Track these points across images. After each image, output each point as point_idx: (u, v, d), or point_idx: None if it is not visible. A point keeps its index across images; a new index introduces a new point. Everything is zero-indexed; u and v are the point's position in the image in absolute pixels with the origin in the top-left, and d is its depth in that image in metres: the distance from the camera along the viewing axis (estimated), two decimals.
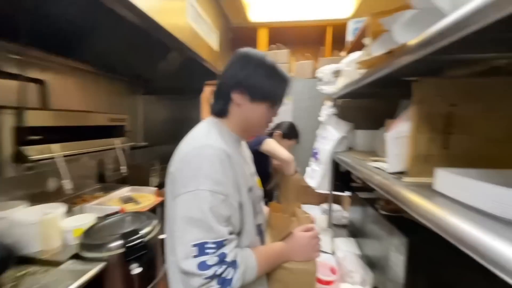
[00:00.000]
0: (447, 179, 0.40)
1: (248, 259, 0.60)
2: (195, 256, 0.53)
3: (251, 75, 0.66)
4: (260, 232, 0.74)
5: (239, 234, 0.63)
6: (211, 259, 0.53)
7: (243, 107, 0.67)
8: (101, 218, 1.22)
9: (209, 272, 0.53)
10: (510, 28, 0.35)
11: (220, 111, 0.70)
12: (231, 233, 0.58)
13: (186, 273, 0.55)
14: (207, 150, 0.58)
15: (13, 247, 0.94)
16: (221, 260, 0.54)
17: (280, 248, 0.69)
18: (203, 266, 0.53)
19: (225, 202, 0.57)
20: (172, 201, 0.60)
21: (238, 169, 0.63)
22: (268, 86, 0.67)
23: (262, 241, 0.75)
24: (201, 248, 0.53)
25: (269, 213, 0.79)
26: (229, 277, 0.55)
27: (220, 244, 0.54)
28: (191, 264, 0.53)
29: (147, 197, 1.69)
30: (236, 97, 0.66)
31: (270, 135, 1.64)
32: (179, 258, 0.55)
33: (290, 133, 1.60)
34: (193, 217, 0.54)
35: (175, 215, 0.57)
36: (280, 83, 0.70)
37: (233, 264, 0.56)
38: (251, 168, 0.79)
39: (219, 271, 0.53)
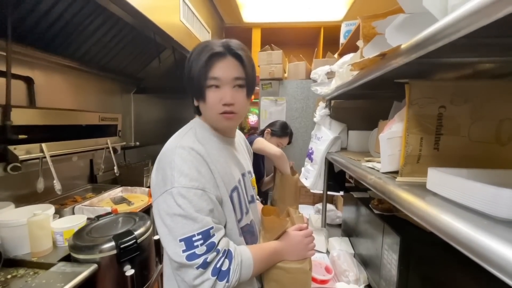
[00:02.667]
0: (439, 179, 0.41)
1: (243, 254, 0.60)
2: (184, 251, 0.53)
3: (185, 75, 0.67)
4: (250, 232, 0.73)
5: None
6: (199, 249, 0.54)
7: (200, 107, 0.69)
8: (93, 219, 1.20)
9: (199, 260, 0.53)
10: (495, 34, 0.37)
11: (195, 112, 0.73)
12: (217, 224, 0.59)
13: (179, 269, 0.56)
14: (178, 150, 0.60)
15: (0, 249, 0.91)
16: (210, 248, 0.54)
17: (274, 247, 0.69)
18: (192, 257, 0.53)
19: (203, 196, 0.57)
20: (154, 202, 0.60)
21: (217, 167, 0.64)
22: (191, 75, 0.64)
23: (253, 243, 0.73)
24: (189, 242, 0.54)
25: (261, 217, 0.79)
26: (224, 268, 0.55)
27: (206, 234, 0.55)
28: (181, 258, 0.53)
29: (140, 197, 1.67)
30: (195, 101, 0.69)
31: (262, 134, 1.66)
32: (170, 256, 0.55)
33: (279, 130, 1.62)
34: (174, 214, 0.55)
35: (158, 215, 0.58)
36: (196, 63, 0.63)
37: (227, 254, 0.57)
38: (244, 167, 0.77)
39: (210, 257, 0.54)
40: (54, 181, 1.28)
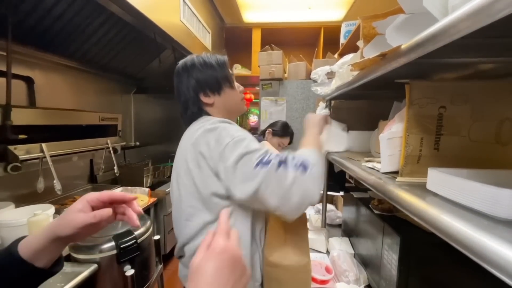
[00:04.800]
0: (439, 179, 0.41)
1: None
2: (258, 158, 0.59)
3: (200, 77, 0.76)
4: None
5: None
6: (269, 157, 0.60)
7: (216, 103, 0.78)
8: None
9: (275, 160, 0.59)
10: (496, 34, 0.37)
11: (193, 116, 0.78)
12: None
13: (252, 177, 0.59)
14: (218, 124, 0.68)
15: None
16: (276, 156, 0.60)
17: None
18: (262, 162, 0.59)
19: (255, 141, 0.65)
20: (222, 162, 0.62)
21: None
22: (215, 74, 0.77)
23: None
24: (262, 159, 0.59)
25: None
26: (304, 162, 0.59)
27: (269, 154, 0.61)
28: (256, 161, 0.59)
29: (140, 197, 1.67)
30: (204, 98, 0.77)
31: (264, 134, 1.66)
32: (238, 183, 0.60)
33: (280, 130, 1.63)
34: (243, 151, 0.60)
35: (230, 158, 0.61)
36: (218, 66, 0.78)
37: (294, 158, 0.60)
38: None
39: (281, 157, 0.59)
40: (54, 181, 1.28)
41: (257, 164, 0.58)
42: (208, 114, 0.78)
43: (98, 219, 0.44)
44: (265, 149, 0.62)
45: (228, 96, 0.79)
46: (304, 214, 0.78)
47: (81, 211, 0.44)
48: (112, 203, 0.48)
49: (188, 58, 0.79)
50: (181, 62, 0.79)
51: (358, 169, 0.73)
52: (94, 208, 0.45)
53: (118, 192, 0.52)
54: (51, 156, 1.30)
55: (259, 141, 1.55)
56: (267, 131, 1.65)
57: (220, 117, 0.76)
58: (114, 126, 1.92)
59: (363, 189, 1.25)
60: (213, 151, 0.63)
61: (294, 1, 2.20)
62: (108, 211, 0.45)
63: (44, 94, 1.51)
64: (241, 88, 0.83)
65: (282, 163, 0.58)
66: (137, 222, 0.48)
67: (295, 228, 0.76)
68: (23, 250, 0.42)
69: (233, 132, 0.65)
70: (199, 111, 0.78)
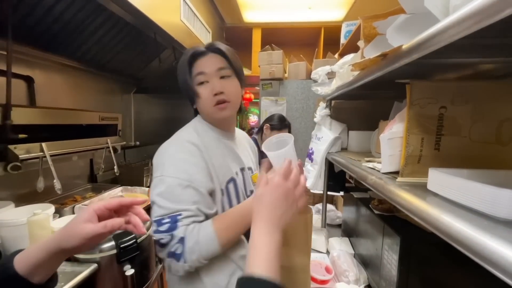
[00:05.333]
0: (440, 179, 0.41)
1: (202, 231, 0.61)
2: (154, 231, 0.61)
3: (178, 78, 0.72)
4: None
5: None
6: (163, 226, 0.60)
7: (196, 105, 0.74)
8: None
9: (158, 236, 0.59)
10: (497, 34, 0.37)
11: (195, 113, 0.79)
12: (195, 215, 0.62)
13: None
14: (174, 142, 0.68)
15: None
16: (169, 229, 0.59)
17: (245, 208, 0.66)
18: (156, 231, 0.60)
19: (187, 189, 0.62)
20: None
21: (213, 158, 0.68)
22: (180, 80, 0.72)
23: (247, 235, 0.76)
24: (159, 223, 0.60)
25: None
26: (178, 251, 0.59)
27: (174, 219, 0.60)
28: (153, 235, 0.61)
29: (140, 197, 1.66)
30: (189, 102, 0.75)
31: (261, 131, 1.66)
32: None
33: (278, 124, 1.63)
34: (154, 199, 0.62)
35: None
36: (180, 71, 0.71)
37: (182, 239, 0.60)
38: (243, 162, 0.79)
39: (165, 240, 0.59)
40: (54, 181, 1.28)
41: (157, 226, 0.60)
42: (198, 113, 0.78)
43: (109, 229, 0.43)
44: (172, 211, 0.60)
45: (198, 103, 0.72)
46: (310, 215, 0.76)
47: (89, 221, 0.43)
48: (118, 210, 0.47)
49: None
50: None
51: (358, 169, 0.73)
52: (100, 217, 0.45)
53: (126, 197, 0.53)
54: (51, 156, 1.30)
55: (256, 140, 1.53)
56: (264, 127, 1.64)
57: (205, 119, 0.75)
58: (114, 125, 1.92)
59: (363, 189, 1.25)
60: (154, 169, 0.67)
61: (294, 1, 2.20)
62: (120, 222, 0.44)
63: (44, 93, 1.51)
64: (216, 89, 0.68)
65: (173, 255, 0.59)
66: (144, 230, 0.48)
67: (296, 228, 0.76)
68: (20, 264, 0.40)
69: (167, 165, 0.63)
70: (195, 111, 0.78)
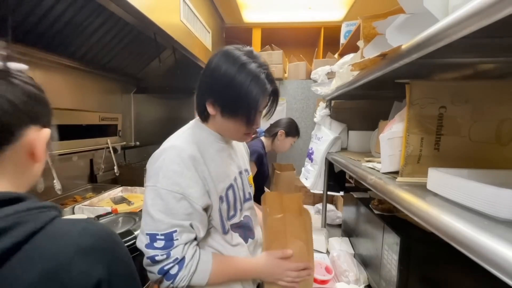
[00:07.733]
0: (439, 179, 0.41)
1: (201, 265, 0.62)
2: (146, 245, 0.60)
3: (222, 86, 0.61)
4: (245, 227, 0.75)
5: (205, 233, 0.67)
6: (158, 243, 0.59)
7: (217, 118, 0.66)
8: (93, 219, 1.20)
9: (151, 252, 0.58)
10: (496, 34, 0.37)
11: (200, 115, 0.70)
12: (189, 231, 0.62)
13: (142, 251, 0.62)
14: (169, 151, 0.62)
15: None
16: (165, 247, 0.58)
17: (247, 268, 0.70)
18: (149, 246, 0.59)
19: (182, 201, 0.60)
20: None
21: (211, 167, 0.66)
22: (240, 100, 0.61)
23: (249, 236, 0.76)
24: (152, 238, 0.59)
25: (263, 212, 0.79)
26: (173, 272, 0.59)
27: (169, 236, 0.59)
28: (142, 245, 0.60)
29: (140, 197, 1.66)
30: (209, 107, 0.65)
31: (275, 135, 1.61)
32: (137, 244, 0.62)
33: (295, 131, 1.59)
34: (149, 210, 0.60)
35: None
36: (256, 94, 0.61)
37: (179, 261, 0.59)
38: (241, 165, 0.79)
39: (160, 258, 0.58)
40: (54, 181, 1.28)
41: (150, 241, 0.59)
42: (205, 121, 0.70)
43: None
44: (167, 227, 0.59)
45: (231, 125, 0.66)
46: (308, 217, 0.77)
47: None
48: None
49: (238, 53, 0.62)
50: (228, 49, 0.64)
51: (358, 169, 0.73)
52: None
53: None
54: (51, 156, 1.29)
55: (256, 145, 1.50)
56: (279, 133, 1.58)
57: (212, 129, 0.70)
58: (114, 126, 1.92)
59: (363, 189, 1.25)
60: (147, 177, 0.64)
61: (294, 1, 2.20)
62: None
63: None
64: (258, 125, 0.68)
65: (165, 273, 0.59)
66: None
67: (297, 228, 0.76)
68: None
69: (161, 176, 0.59)
70: (201, 114, 0.70)
